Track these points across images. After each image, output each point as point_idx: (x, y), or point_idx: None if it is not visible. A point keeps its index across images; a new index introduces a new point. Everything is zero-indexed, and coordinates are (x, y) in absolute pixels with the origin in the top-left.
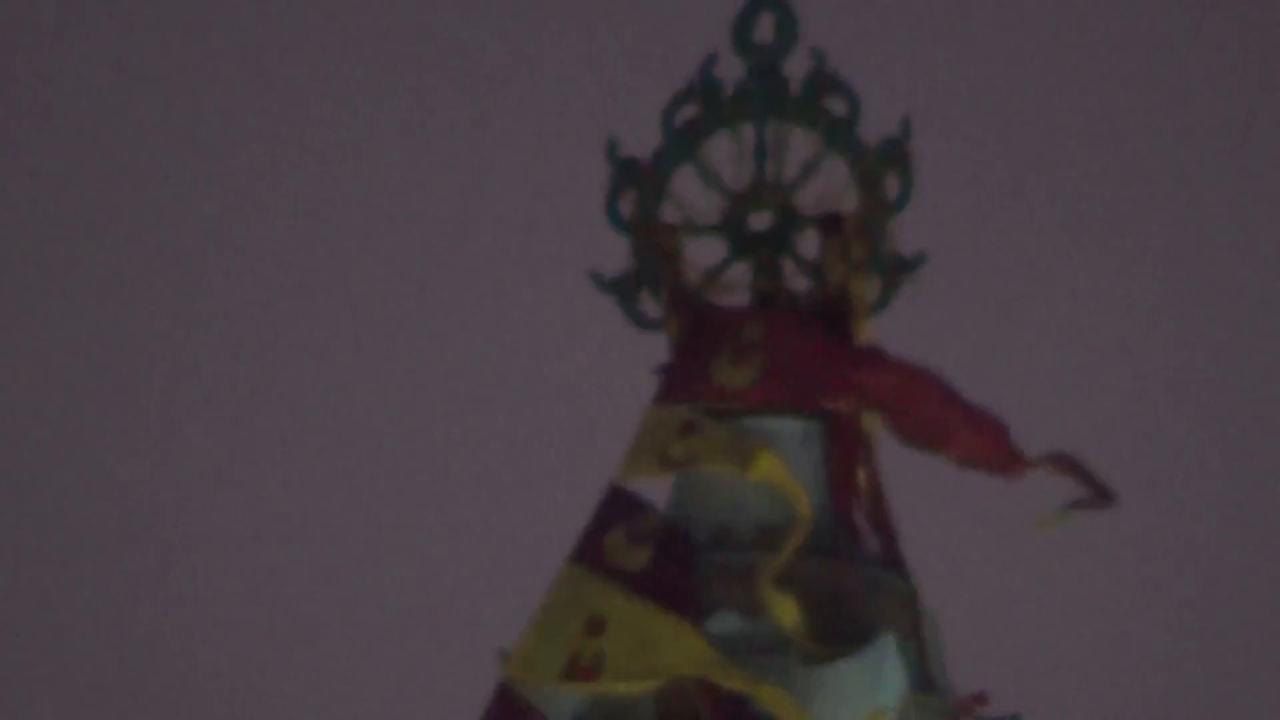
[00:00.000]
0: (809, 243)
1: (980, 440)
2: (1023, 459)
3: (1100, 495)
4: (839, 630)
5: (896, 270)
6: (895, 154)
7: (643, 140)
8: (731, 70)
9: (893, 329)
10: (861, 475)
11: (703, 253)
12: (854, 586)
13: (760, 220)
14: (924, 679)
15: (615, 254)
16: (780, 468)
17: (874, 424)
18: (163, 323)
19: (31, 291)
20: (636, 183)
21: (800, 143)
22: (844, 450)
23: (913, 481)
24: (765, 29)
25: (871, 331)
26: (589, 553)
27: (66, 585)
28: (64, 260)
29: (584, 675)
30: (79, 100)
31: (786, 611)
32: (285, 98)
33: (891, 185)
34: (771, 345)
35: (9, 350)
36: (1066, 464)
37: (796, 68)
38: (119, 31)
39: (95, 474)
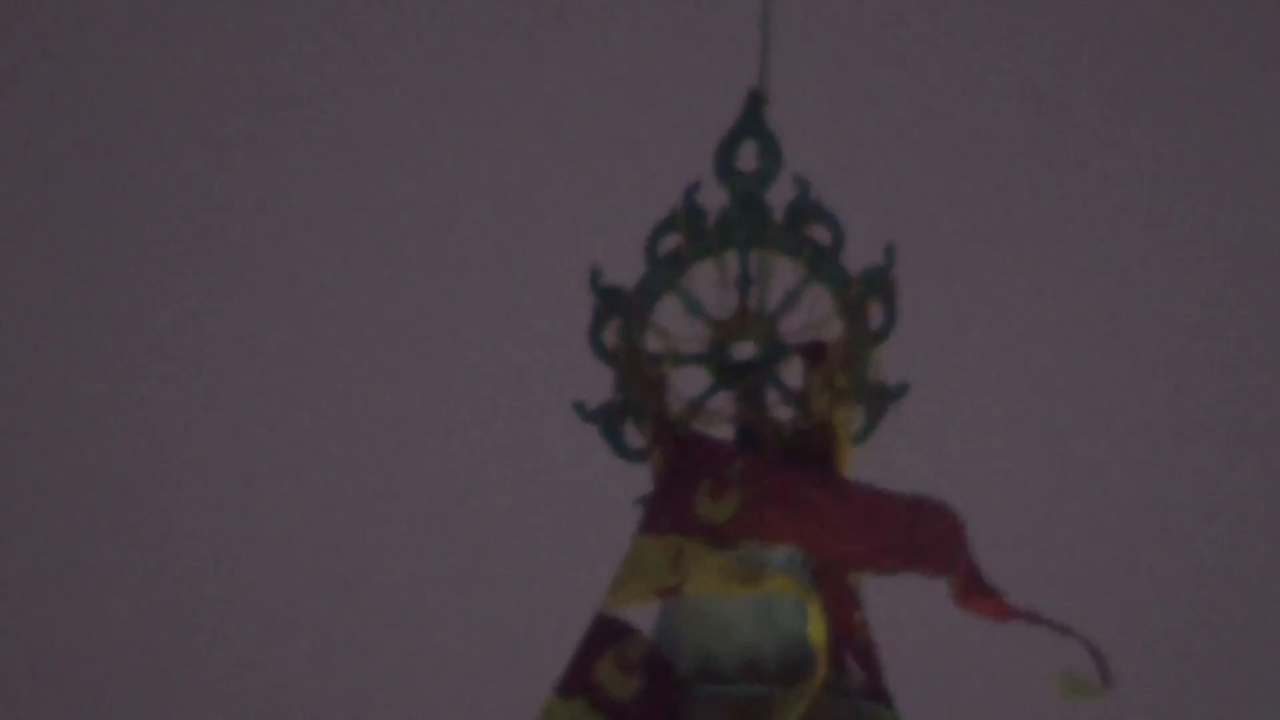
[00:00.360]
0: (793, 372)
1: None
2: (1009, 609)
3: (1100, 665)
4: None
5: (880, 400)
6: (879, 282)
7: (626, 268)
8: (715, 198)
9: (875, 458)
10: (855, 615)
11: (687, 382)
12: (840, 718)
13: (744, 349)
14: None
15: (600, 383)
16: (792, 583)
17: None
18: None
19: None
20: (620, 312)
21: (784, 271)
22: (831, 586)
23: (896, 610)
24: (748, 156)
25: (854, 460)
26: (578, 684)
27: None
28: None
29: None
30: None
31: None
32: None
33: (875, 314)
34: (753, 483)
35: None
36: (1051, 624)
37: (780, 195)
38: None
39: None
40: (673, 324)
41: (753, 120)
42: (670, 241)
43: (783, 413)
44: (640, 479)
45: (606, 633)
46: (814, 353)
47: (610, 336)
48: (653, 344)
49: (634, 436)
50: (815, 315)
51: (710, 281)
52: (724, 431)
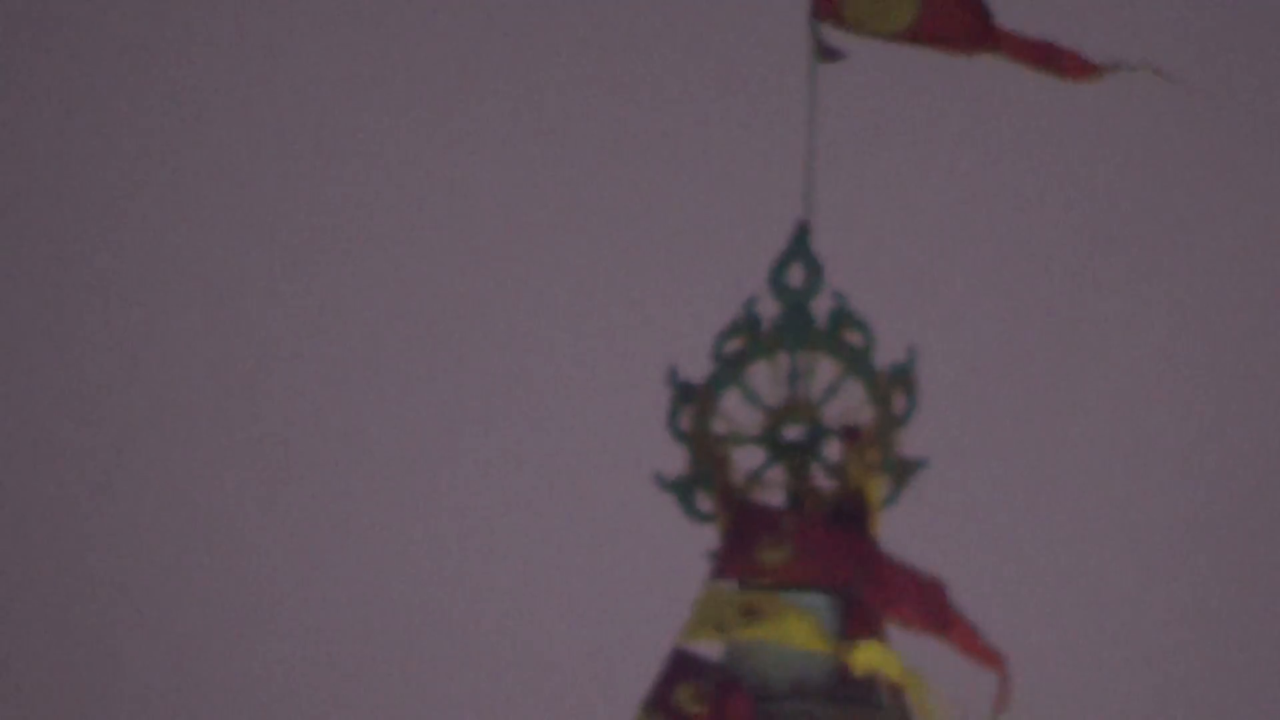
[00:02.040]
0: (833, 450)
1: (964, 635)
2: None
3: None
4: None
5: (904, 472)
6: (903, 377)
7: (697, 368)
8: (769, 309)
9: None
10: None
11: (746, 458)
12: None
13: (793, 432)
14: None
15: (675, 460)
16: (881, 655)
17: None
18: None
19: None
20: (693, 402)
21: (825, 368)
22: (857, 619)
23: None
24: (796, 275)
25: (883, 523)
26: (658, 704)
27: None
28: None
29: None
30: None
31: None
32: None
33: (900, 402)
34: (803, 536)
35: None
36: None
37: (822, 307)
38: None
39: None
40: (735, 411)
41: (800, 246)
42: (733, 345)
43: (825, 483)
44: (708, 537)
45: (682, 664)
46: (850, 434)
47: (684, 422)
48: (719, 427)
49: (704, 503)
50: (851, 403)
51: (765, 377)
52: (776, 498)
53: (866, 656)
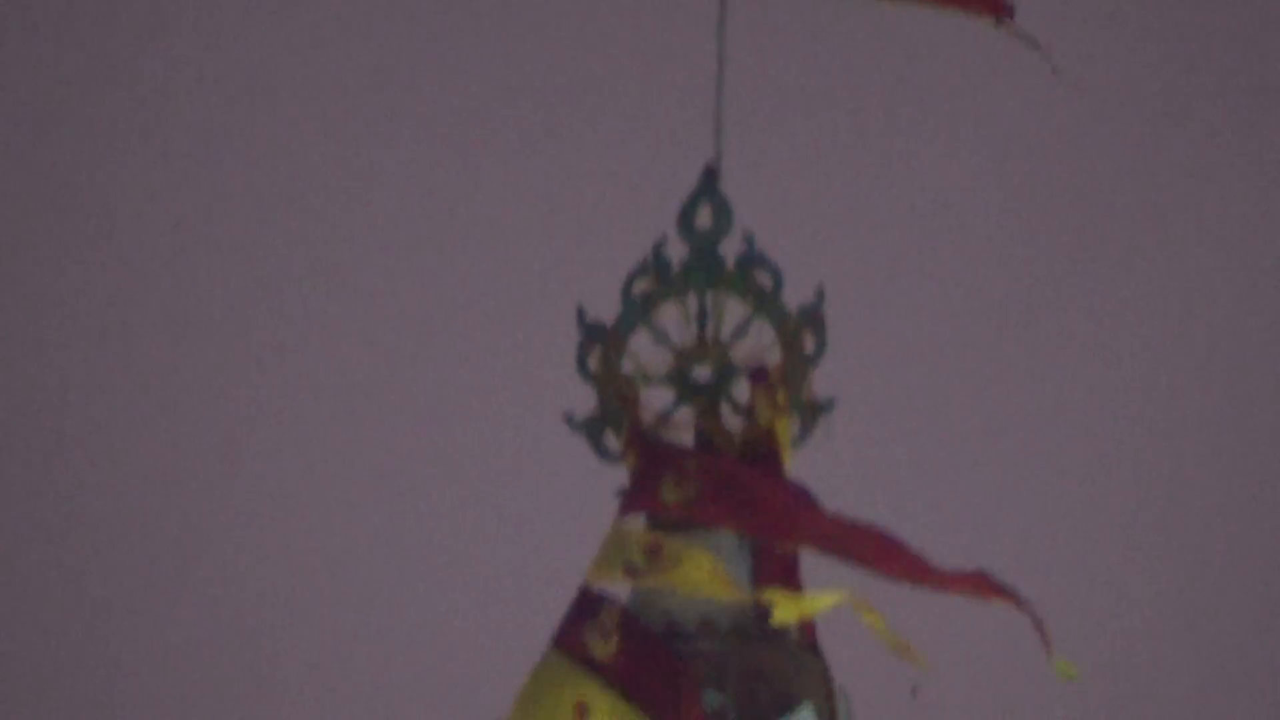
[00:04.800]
0: (742, 390)
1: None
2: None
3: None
4: (766, 704)
5: (813, 412)
6: (811, 317)
7: (605, 308)
8: (678, 251)
9: (810, 463)
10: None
11: (655, 399)
12: (778, 667)
13: (702, 372)
14: None
15: (584, 400)
16: (794, 604)
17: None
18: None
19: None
20: (601, 342)
21: (734, 309)
22: (766, 559)
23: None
24: (705, 217)
25: (793, 463)
26: (566, 641)
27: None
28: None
29: None
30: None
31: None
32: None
33: (808, 343)
34: (708, 476)
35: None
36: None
37: (731, 248)
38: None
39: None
40: (644, 352)
41: (708, 188)
42: (642, 285)
43: (734, 423)
44: (618, 476)
45: (589, 603)
46: (758, 374)
47: (593, 362)
48: (627, 368)
49: (613, 443)
50: (760, 344)
51: (674, 318)
52: (686, 438)
53: (782, 609)
